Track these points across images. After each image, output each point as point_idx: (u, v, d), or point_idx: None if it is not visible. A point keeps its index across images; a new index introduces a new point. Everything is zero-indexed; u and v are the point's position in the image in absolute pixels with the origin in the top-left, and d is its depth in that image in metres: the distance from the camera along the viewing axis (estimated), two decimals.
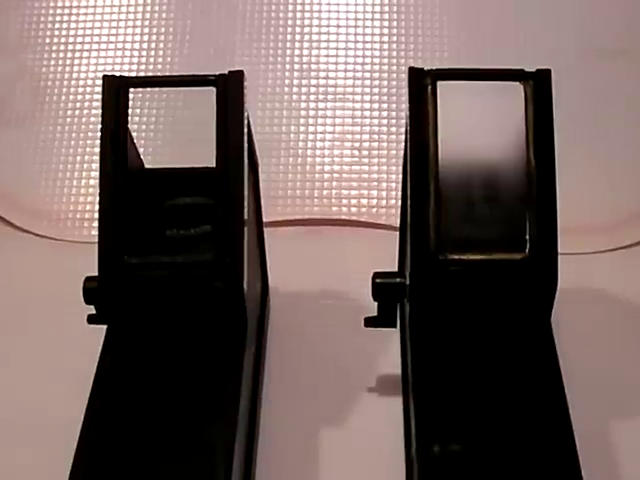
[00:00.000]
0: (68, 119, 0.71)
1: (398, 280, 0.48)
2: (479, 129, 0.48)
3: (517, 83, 0.46)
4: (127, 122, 0.47)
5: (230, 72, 0.47)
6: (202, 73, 0.48)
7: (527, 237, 0.45)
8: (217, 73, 0.47)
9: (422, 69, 0.46)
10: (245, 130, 0.47)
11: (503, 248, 0.46)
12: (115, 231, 0.46)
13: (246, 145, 0.47)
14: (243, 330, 0.47)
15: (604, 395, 0.53)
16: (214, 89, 0.47)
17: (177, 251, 0.48)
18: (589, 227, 0.66)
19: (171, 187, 0.50)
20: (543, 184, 0.45)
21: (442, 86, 0.46)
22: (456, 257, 0.45)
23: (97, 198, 0.66)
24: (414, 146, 0.46)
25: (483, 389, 0.45)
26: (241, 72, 0.47)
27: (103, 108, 0.47)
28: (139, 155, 0.50)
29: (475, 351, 0.46)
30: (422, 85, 0.46)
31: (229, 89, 0.47)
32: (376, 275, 0.48)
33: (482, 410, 0.44)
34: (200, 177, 0.49)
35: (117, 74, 0.48)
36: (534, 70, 0.46)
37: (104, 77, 0.47)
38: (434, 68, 0.46)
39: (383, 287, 0.48)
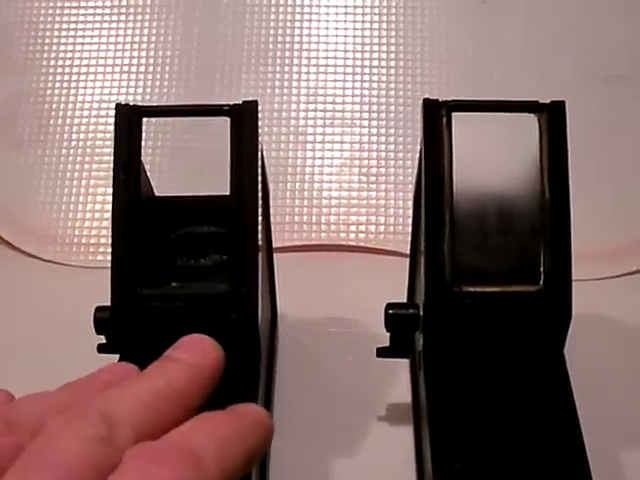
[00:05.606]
0: (73, 142, 0.71)
1: (411, 311, 0.48)
2: (493, 160, 0.48)
3: (532, 115, 0.46)
4: (140, 152, 0.46)
5: (244, 102, 0.47)
6: (215, 103, 0.47)
7: (541, 269, 0.45)
8: (231, 103, 0.47)
9: (437, 100, 0.46)
10: (259, 159, 0.47)
11: (517, 280, 0.45)
12: (128, 261, 0.45)
13: (259, 172, 0.47)
14: (256, 361, 0.47)
15: (617, 424, 0.53)
16: (227, 119, 0.47)
17: (190, 281, 0.47)
18: (593, 254, 0.65)
19: (183, 215, 0.49)
20: (557, 216, 0.45)
21: (456, 117, 0.46)
22: (471, 289, 0.45)
23: (103, 223, 0.67)
24: (428, 178, 0.45)
25: (497, 419, 0.44)
26: (255, 102, 0.47)
27: (116, 137, 0.46)
28: (150, 182, 0.50)
29: (489, 382, 0.46)
30: (437, 116, 0.46)
31: (243, 119, 0.46)
32: (389, 306, 0.48)
33: (497, 439, 0.44)
34: (212, 206, 0.49)
35: (123, 99, 0.48)
36: (548, 102, 0.46)
37: (117, 105, 0.47)
38: (449, 99, 0.46)
39: (396, 318, 0.48)
